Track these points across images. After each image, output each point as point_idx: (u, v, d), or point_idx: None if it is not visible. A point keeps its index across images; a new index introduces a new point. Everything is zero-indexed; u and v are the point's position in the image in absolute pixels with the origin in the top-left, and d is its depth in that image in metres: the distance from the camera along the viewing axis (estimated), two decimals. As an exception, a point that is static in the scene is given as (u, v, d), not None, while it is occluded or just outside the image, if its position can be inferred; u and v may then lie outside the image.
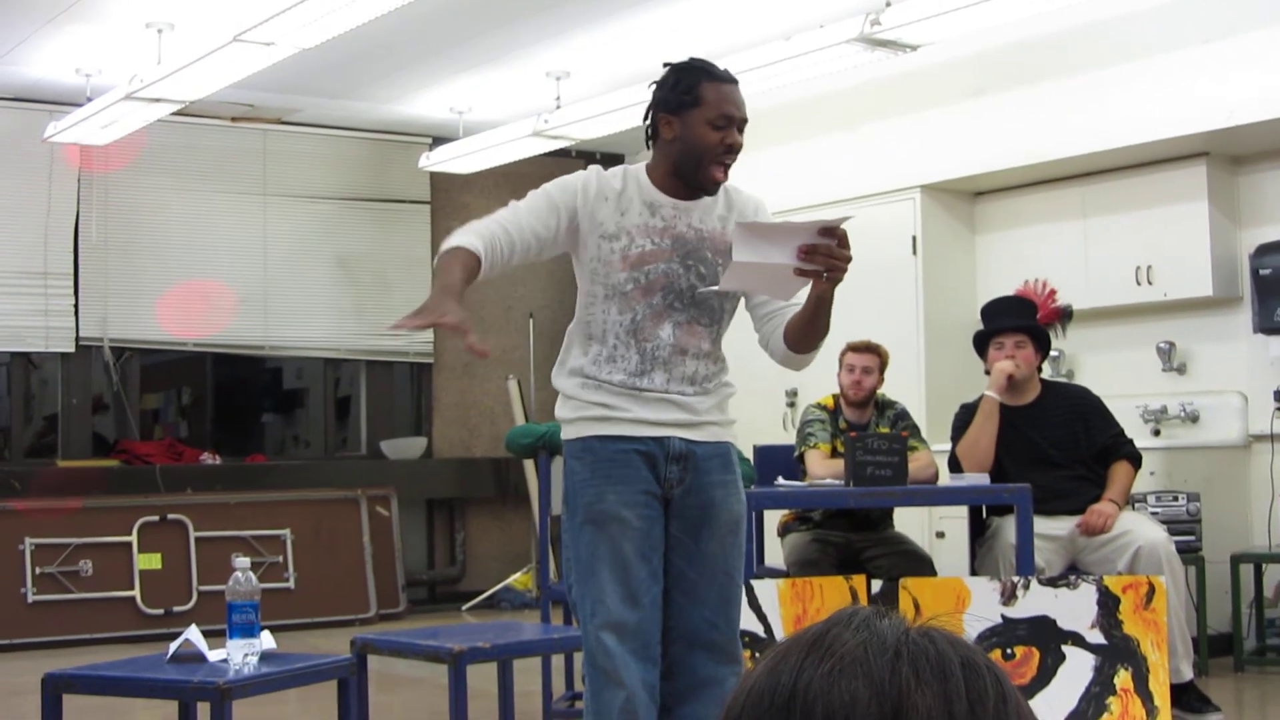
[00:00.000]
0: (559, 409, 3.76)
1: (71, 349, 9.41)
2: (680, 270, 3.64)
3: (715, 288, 3.63)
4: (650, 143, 3.72)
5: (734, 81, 3.66)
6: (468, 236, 3.52)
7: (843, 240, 3.41)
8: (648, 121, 3.71)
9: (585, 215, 3.64)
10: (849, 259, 3.43)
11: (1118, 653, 5.22)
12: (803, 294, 3.58)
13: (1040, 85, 7.74)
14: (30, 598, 8.55)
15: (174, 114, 8.31)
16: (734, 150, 3.62)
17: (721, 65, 3.71)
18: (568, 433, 3.72)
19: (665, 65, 3.72)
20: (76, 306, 9.38)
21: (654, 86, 3.70)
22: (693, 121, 3.60)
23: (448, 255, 3.48)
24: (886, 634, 1.13)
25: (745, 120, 3.65)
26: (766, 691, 1.13)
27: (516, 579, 10.26)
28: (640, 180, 3.69)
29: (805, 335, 3.64)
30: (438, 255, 3.53)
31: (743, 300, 3.78)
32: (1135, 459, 6.24)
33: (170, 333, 9.68)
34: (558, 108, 8.75)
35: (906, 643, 1.12)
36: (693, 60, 3.69)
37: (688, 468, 3.67)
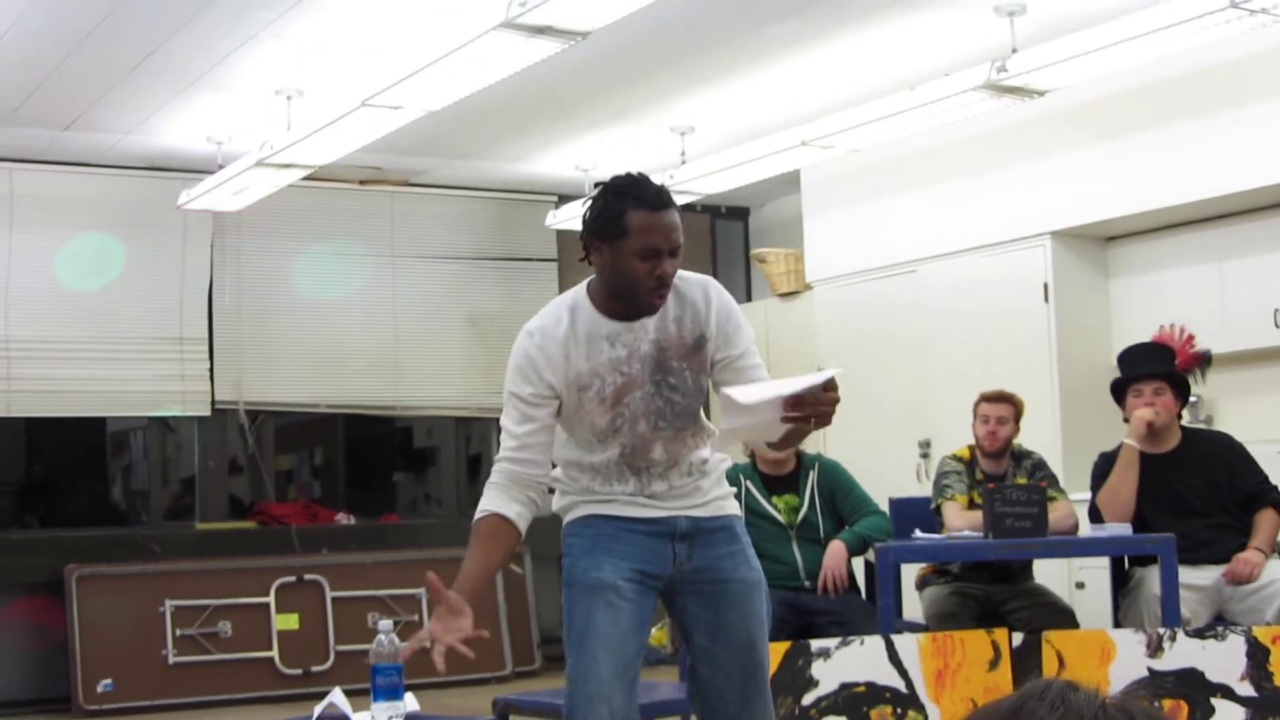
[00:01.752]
0: (556, 501, 3.79)
1: (207, 413, 9.55)
2: (653, 390, 3.60)
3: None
4: (588, 260, 3.58)
5: (665, 206, 3.47)
6: (499, 500, 3.67)
7: (829, 384, 3.27)
8: (582, 240, 3.56)
9: (562, 383, 3.58)
10: (836, 400, 3.29)
11: (1269, 705, 5.10)
12: None
13: (1171, 127, 7.62)
14: (171, 659, 8.65)
15: (303, 179, 8.42)
16: (665, 281, 3.47)
17: (658, 182, 3.53)
18: (570, 516, 3.74)
19: (596, 185, 3.57)
20: (211, 370, 9.52)
21: (585, 205, 3.56)
22: (621, 252, 3.45)
23: (475, 539, 3.65)
24: (1083, 709, 1.09)
25: (678, 246, 3.47)
26: (964, 767, 1.10)
27: (651, 634, 10.22)
28: (587, 313, 3.59)
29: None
30: (473, 523, 3.65)
31: (709, 383, 3.72)
32: (1281, 506, 6.12)
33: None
34: (683, 163, 8.75)
35: (1104, 718, 1.09)
36: (624, 181, 3.52)
37: (695, 544, 3.69)
